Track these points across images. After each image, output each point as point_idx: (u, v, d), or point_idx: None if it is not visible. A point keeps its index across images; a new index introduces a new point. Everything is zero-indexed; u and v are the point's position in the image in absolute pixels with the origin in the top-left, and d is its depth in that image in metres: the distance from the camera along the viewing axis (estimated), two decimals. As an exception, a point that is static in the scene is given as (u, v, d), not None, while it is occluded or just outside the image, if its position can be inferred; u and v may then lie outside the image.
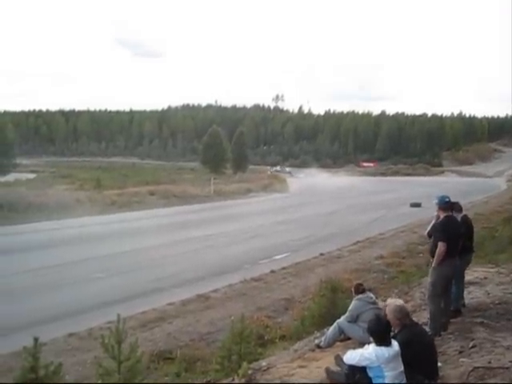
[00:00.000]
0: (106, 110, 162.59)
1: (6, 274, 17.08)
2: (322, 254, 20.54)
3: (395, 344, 5.57)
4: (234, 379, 6.51)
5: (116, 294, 14.64)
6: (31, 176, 71.07)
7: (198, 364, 9.48)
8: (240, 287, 15.71)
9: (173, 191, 44.60)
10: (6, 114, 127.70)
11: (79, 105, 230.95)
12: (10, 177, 61.66)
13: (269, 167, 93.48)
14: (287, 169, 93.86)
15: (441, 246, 7.52)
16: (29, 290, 15.11)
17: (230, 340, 7.11)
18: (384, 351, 5.44)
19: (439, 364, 6.22)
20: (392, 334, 5.81)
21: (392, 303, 6.34)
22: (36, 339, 3.90)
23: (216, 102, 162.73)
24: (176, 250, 21.03)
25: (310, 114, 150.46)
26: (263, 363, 7.19)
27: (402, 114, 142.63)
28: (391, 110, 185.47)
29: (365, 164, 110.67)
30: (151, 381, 7.92)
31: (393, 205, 38.88)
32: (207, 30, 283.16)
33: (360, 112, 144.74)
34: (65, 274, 17.05)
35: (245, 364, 5.26)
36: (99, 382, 5.02)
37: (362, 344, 6.41)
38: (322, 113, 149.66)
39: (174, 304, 13.90)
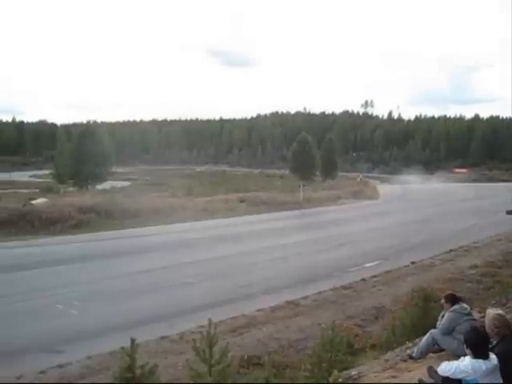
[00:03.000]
0: (196, 119, 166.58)
1: (103, 278, 17.80)
2: (413, 263, 20.03)
3: (493, 357, 5.34)
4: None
5: (206, 299, 14.86)
6: (126, 184, 73.85)
7: (287, 371, 9.47)
8: (329, 295, 15.55)
9: (262, 198, 44.89)
10: (102, 124, 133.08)
11: (171, 114, 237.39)
12: (107, 184, 64.27)
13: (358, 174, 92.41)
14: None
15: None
16: (124, 294, 15.66)
17: (321, 347, 7.06)
18: (481, 364, 5.23)
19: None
20: (490, 346, 5.58)
21: (492, 312, 6.09)
22: (133, 340, 4.04)
23: (305, 108, 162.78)
24: (265, 257, 21.14)
25: (399, 120, 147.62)
26: (353, 372, 7.09)
27: (497, 117, 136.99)
28: (485, 114, 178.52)
29: (457, 170, 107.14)
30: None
31: (487, 212, 37.36)
32: (296, 37, 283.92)
33: (452, 116, 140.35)
34: (157, 279, 17.53)
35: (335, 372, 5.19)
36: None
37: (456, 356, 6.19)
38: (413, 118, 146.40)
39: (264, 310, 13.94)
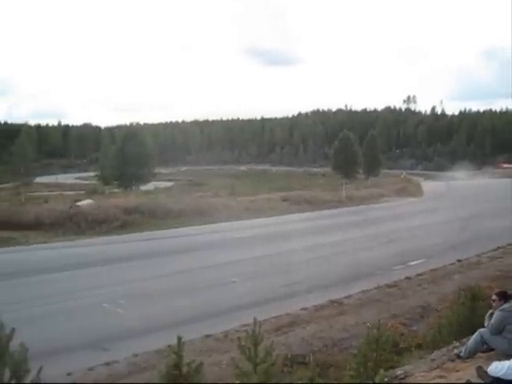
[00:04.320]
0: (238, 119, 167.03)
1: (148, 277, 18.06)
2: (459, 261, 19.70)
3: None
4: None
5: (250, 298, 14.94)
6: (169, 184, 74.61)
7: (331, 370, 9.44)
8: (374, 293, 15.44)
9: (304, 197, 44.70)
10: (145, 126, 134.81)
11: (213, 114, 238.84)
12: (150, 185, 65.05)
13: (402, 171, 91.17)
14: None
15: None
16: (168, 293, 15.86)
17: (366, 346, 7.01)
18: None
19: None
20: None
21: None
22: (179, 338, 4.10)
23: (346, 106, 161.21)
24: (308, 255, 21.07)
25: (443, 115, 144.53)
26: (399, 372, 7.02)
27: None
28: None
29: (504, 165, 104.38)
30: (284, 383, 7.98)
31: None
32: (336, 35, 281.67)
33: (498, 110, 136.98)
34: (202, 278, 17.68)
35: (381, 371, 5.16)
36: (237, 382, 5.15)
37: (507, 356, 6.06)
38: (457, 112, 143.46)
39: (307, 309, 13.93)
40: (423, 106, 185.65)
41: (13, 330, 3.13)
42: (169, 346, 4.07)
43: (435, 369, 7.18)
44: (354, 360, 7.11)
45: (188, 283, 17.01)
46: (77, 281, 17.83)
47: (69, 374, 9.38)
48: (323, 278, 17.43)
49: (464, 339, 8.30)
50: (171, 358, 3.95)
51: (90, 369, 9.74)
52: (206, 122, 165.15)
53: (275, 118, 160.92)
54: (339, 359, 10.01)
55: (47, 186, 75.64)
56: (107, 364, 9.99)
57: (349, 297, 15.08)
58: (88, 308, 14.26)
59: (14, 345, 3.15)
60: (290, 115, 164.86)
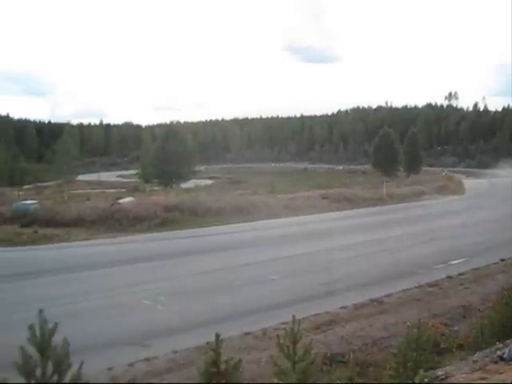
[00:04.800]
0: (277, 117, 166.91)
1: (188, 275, 18.22)
2: (502, 260, 19.26)
3: None
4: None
5: (289, 296, 14.92)
6: (209, 182, 75.20)
7: (371, 369, 9.35)
8: (414, 292, 15.23)
9: (344, 195, 44.41)
10: (185, 124, 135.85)
11: (252, 112, 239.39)
12: (190, 183, 65.63)
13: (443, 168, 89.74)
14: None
15: None
16: (208, 290, 15.96)
17: (406, 346, 6.91)
18: None
19: None
20: None
21: None
22: (218, 335, 4.11)
23: (386, 103, 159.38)
24: (348, 253, 20.93)
25: (486, 111, 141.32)
26: (440, 372, 6.89)
27: None
28: None
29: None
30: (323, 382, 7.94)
31: None
32: (376, 32, 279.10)
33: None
34: (241, 275, 17.71)
35: (421, 372, 5.07)
36: (275, 380, 5.14)
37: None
38: (500, 109, 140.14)
39: (347, 307, 13.83)
40: (465, 103, 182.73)
41: (55, 324, 3.17)
42: (207, 343, 4.09)
43: (477, 370, 7.02)
44: (394, 359, 7.02)
45: (227, 281, 17.07)
46: (118, 277, 18.11)
47: (109, 369, 9.51)
48: (363, 277, 17.29)
49: (507, 341, 8.11)
50: (209, 354, 3.97)
51: (130, 364, 9.87)
52: (246, 119, 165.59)
53: (315, 116, 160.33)
54: (379, 358, 9.90)
55: (89, 183, 77.05)
56: (147, 360, 10.10)
57: (389, 295, 14.91)
58: (128, 304, 14.45)
59: (57, 340, 3.19)
60: (330, 113, 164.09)
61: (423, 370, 5.75)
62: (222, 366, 3.95)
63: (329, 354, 10.18)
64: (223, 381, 3.87)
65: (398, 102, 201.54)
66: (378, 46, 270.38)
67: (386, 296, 14.82)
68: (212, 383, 3.91)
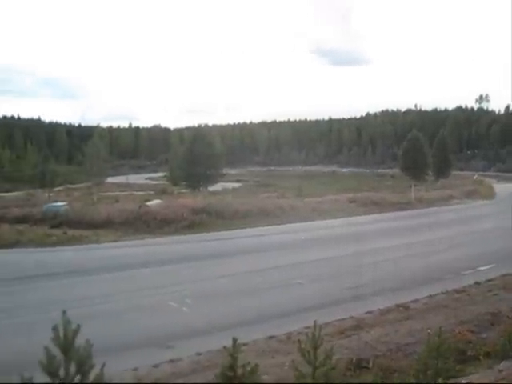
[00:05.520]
0: (305, 120, 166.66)
1: (214, 277, 18.29)
2: (533, 267, 18.97)
3: None
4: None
5: (315, 300, 14.90)
6: (237, 185, 75.40)
7: (395, 375, 9.28)
8: (441, 298, 15.06)
9: (372, 198, 44.18)
10: (213, 127, 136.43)
11: (280, 115, 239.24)
12: (218, 186, 65.91)
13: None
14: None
15: None
16: (234, 293, 16.04)
17: (426, 354, 6.86)
18: None
19: None
20: None
21: None
22: (235, 340, 4.15)
23: (416, 105, 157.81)
24: (374, 258, 20.76)
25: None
26: (463, 381, 6.83)
27: None
28: None
29: None
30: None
31: None
32: (405, 34, 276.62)
33: None
34: (267, 279, 17.73)
35: (440, 380, 5.04)
36: (293, 384, 5.17)
37: None
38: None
39: (372, 312, 13.75)
40: (496, 105, 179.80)
41: (78, 326, 3.25)
42: (224, 347, 4.12)
43: (501, 380, 6.94)
44: (414, 367, 6.98)
45: (254, 284, 17.11)
46: (145, 279, 18.28)
47: (134, 370, 9.62)
48: (389, 282, 17.16)
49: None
50: (227, 359, 4.01)
51: (155, 366, 9.96)
52: (274, 122, 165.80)
53: (343, 119, 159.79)
54: (403, 364, 9.80)
55: (118, 186, 77.94)
56: (171, 361, 10.18)
57: (415, 301, 14.77)
58: (154, 306, 14.57)
59: (81, 341, 3.27)
60: (358, 115, 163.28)
61: (443, 378, 5.73)
62: (239, 371, 3.98)
63: (353, 360, 10.13)
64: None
65: (427, 105, 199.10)
66: (407, 47, 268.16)
67: (412, 302, 14.67)
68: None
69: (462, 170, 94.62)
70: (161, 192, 59.74)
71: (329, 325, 11.73)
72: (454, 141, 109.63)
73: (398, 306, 14.31)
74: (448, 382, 6.33)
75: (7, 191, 66.95)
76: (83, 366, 3.23)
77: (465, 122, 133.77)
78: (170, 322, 13.22)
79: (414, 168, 73.90)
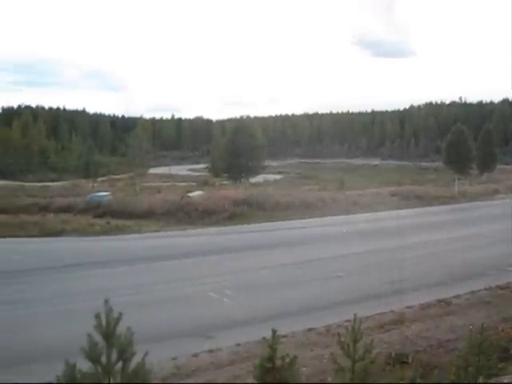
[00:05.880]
0: (347, 112, 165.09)
1: (254, 269, 18.38)
2: None
3: None
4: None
5: (354, 293, 14.83)
6: (278, 177, 75.28)
7: (435, 372, 9.18)
8: (484, 294, 14.81)
9: (414, 192, 43.57)
10: (255, 119, 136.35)
11: (322, 107, 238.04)
12: (260, 178, 66.04)
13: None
14: None
15: None
16: (273, 284, 16.11)
17: (467, 350, 6.76)
18: None
19: None
20: None
21: None
22: (274, 331, 4.17)
23: (460, 98, 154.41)
24: (416, 252, 20.53)
25: None
26: (506, 380, 6.71)
27: None
28: None
29: None
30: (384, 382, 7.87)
31: None
32: (450, 25, 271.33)
33: None
34: (307, 271, 17.77)
35: (481, 378, 4.96)
36: (333, 377, 5.17)
37: None
38: None
39: (413, 307, 13.62)
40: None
41: (120, 314, 3.32)
42: (263, 338, 4.15)
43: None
44: (455, 364, 6.88)
45: (293, 276, 17.14)
46: (185, 269, 18.50)
47: (173, 359, 9.75)
48: (431, 276, 16.94)
49: None
50: (266, 350, 4.04)
51: (194, 355, 10.08)
52: (316, 114, 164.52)
53: (386, 111, 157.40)
54: (444, 361, 9.68)
55: (161, 176, 78.72)
56: (210, 351, 10.29)
57: (457, 297, 14.56)
58: (194, 296, 14.74)
59: (122, 329, 3.33)
60: (402, 108, 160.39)
61: (485, 376, 5.64)
62: (278, 362, 4.01)
63: (392, 354, 10.06)
64: (278, 376, 3.94)
65: (472, 98, 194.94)
66: (452, 38, 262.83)
67: (454, 297, 14.48)
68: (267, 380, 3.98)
69: (507, 164, 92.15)
70: (203, 183, 60.19)
71: (369, 318, 11.67)
72: (499, 134, 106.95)
73: (439, 301, 14.14)
74: (489, 380, 6.22)
75: (52, 181, 68.53)
76: (124, 354, 3.29)
77: (511, 115, 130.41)
78: (210, 312, 13.34)
79: (458, 162, 72.52)
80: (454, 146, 74.27)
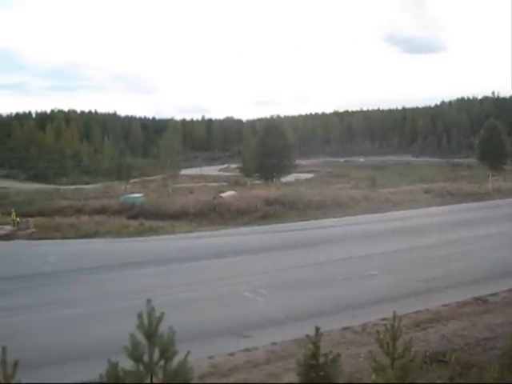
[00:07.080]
0: (378, 109, 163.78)
1: (287, 268, 18.43)
2: None
3: None
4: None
5: (389, 292, 14.73)
6: (309, 176, 75.17)
7: (473, 370, 9.09)
8: (522, 292, 14.61)
9: (447, 189, 43.16)
10: (286, 118, 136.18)
11: (352, 105, 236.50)
12: (291, 177, 66.01)
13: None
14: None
15: None
16: (307, 283, 16.09)
17: (510, 348, 6.68)
18: None
19: None
20: None
21: None
22: (317, 328, 4.21)
23: (493, 93, 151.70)
24: (451, 250, 20.32)
25: None
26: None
27: None
28: None
29: None
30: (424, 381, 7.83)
31: None
32: (482, 19, 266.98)
33: None
34: (341, 270, 17.71)
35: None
36: (373, 376, 5.17)
37: None
38: None
39: (449, 305, 13.47)
40: None
41: (162, 313, 3.39)
42: (307, 335, 4.20)
43: None
44: (498, 361, 6.81)
45: (328, 274, 17.11)
46: (220, 269, 18.60)
47: (210, 358, 9.83)
48: (466, 274, 16.74)
49: None
50: (309, 347, 4.08)
51: (231, 354, 10.15)
52: (346, 112, 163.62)
53: (417, 108, 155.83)
54: (482, 359, 9.57)
55: (192, 177, 79.27)
56: (247, 350, 10.35)
57: (494, 295, 14.32)
58: (230, 296, 14.83)
59: (164, 328, 3.40)
60: (433, 104, 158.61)
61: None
62: (321, 359, 4.05)
63: (429, 353, 9.97)
64: (322, 373, 3.98)
65: (505, 92, 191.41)
66: (483, 32, 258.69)
67: (491, 295, 14.26)
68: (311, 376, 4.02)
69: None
70: (234, 183, 60.44)
71: (404, 317, 11.56)
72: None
73: (475, 299, 13.96)
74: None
75: (86, 184, 69.58)
76: (166, 353, 3.35)
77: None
78: (245, 311, 13.42)
79: (492, 157, 71.52)
80: (487, 141, 73.29)
